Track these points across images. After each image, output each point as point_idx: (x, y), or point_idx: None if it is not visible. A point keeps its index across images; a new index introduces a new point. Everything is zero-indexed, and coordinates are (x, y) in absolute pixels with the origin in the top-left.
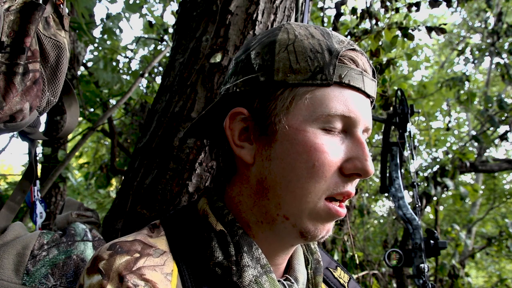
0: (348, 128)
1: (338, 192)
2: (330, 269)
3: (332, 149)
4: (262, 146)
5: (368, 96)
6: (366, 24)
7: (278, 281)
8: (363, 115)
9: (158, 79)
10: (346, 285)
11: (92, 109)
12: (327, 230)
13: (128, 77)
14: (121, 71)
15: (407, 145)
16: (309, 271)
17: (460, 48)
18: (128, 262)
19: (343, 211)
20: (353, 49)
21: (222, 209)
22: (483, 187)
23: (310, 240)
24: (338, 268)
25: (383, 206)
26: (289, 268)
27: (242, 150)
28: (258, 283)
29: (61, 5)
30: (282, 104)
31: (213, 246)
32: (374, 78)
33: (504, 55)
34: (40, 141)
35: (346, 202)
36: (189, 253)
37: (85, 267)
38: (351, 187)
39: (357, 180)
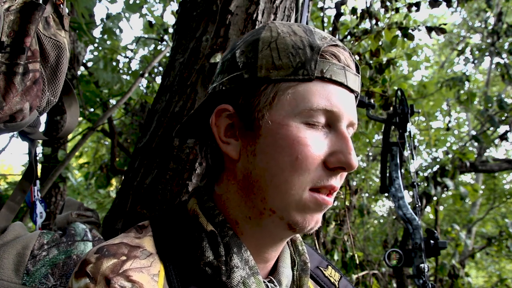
0: (332, 122)
1: (322, 185)
2: (321, 268)
3: (315, 142)
4: (247, 142)
5: (351, 91)
6: (366, 24)
7: (263, 281)
8: (347, 110)
9: (158, 79)
10: (336, 283)
11: (92, 109)
12: (315, 221)
13: (128, 77)
14: (121, 71)
15: (407, 145)
16: (295, 272)
17: (460, 48)
18: (115, 265)
19: (329, 200)
20: (335, 45)
21: (213, 209)
22: (483, 187)
23: (298, 231)
24: (329, 267)
25: (383, 206)
26: (275, 270)
27: (228, 146)
28: (245, 284)
29: (61, 5)
30: (265, 100)
31: (204, 246)
32: (358, 73)
33: (504, 55)
34: (40, 141)
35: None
36: (177, 253)
37: (73, 271)
38: (335, 181)
39: (344, 174)
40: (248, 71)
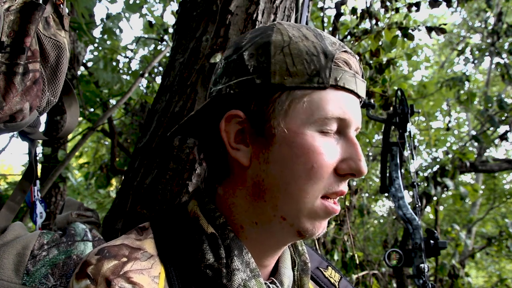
0: (342, 129)
1: (333, 192)
2: (321, 269)
3: (328, 150)
4: (259, 149)
5: (358, 96)
6: (366, 24)
7: (264, 283)
8: (355, 116)
9: (158, 79)
10: (337, 284)
11: (92, 109)
12: (323, 227)
13: (128, 77)
14: (121, 71)
15: (407, 145)
16: (295, 273)
17: (460, 48)
18: (115, 266)
19: (337, 208)
20: (345, 51)
21: (213, 212)
22: (483, 187)
23: (307, 238)
24: (329, 267)
25: (383, 206)
26: (276, 271)
27: (238, 153)
28: (246, 287)
29: (61, 5)
30: (281, 108)
31: (204, 248)
32: (363, 79)
33: (504, 55)
34: (40, 141)
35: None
36: (178, 255)
37: (74, 272)
38: (344, 186)
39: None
40: (260, 76)
